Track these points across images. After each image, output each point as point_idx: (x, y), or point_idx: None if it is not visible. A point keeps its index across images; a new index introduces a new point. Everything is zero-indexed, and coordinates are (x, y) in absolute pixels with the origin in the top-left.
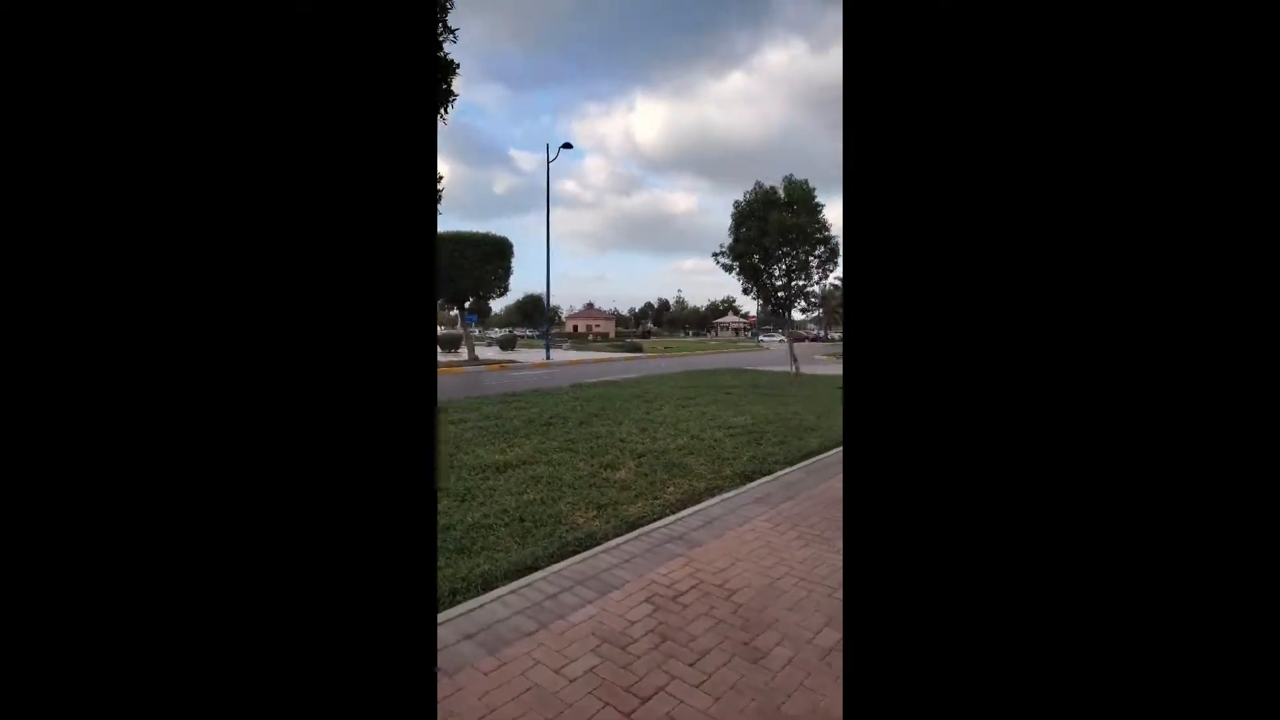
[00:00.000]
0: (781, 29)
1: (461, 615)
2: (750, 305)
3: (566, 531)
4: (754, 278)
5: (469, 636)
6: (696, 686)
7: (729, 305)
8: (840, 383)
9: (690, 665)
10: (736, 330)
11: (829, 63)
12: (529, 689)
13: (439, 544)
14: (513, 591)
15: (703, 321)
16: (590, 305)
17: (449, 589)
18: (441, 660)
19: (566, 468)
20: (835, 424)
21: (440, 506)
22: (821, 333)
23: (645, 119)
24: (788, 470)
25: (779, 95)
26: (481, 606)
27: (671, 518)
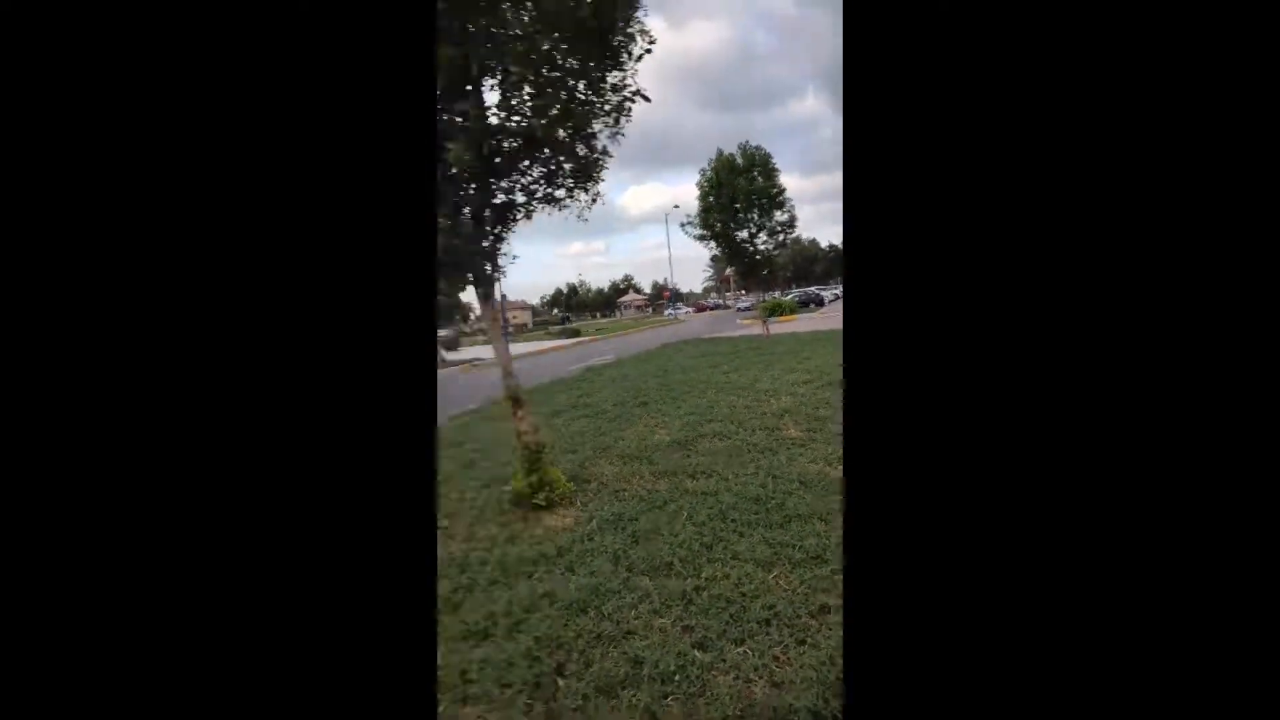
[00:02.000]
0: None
1: None
2: (646, 283)
3: None
4: (729, 244)
5: None
6: None
7: (629, 284)
8: (813, 335)
9: None
10: (639, 308)
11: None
12: None
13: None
14: None
15: (607, 303)
16: (504, 298)
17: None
18: None
19: (742, 429)
20: None
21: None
22: (721, 302)
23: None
24: None
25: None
26: None
27: None
